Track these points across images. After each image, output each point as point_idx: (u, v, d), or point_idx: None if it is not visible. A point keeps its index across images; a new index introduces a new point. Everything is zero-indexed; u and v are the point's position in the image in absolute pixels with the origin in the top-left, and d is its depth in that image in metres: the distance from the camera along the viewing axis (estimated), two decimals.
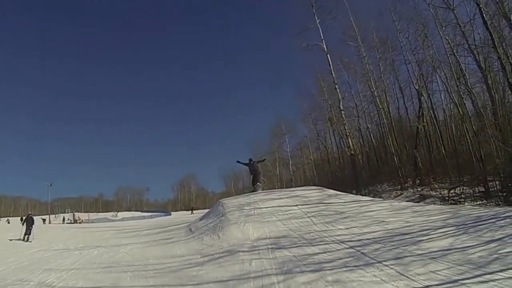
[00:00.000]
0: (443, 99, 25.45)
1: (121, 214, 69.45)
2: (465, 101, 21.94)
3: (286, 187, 34.39)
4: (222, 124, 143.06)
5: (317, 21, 28.40)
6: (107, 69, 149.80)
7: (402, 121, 28.23)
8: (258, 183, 16.63)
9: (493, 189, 17.58)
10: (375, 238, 8.17)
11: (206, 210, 25.48)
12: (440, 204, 17.52)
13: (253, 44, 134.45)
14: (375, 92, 29.00)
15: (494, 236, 7.29)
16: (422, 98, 25.27)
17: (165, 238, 14.09)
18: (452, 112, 23.71)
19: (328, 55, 28.62)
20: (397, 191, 22.40)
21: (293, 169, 45.58)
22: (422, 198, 20.38)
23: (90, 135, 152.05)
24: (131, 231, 20.26)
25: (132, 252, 11.59)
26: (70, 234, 21.87)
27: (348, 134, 28.69)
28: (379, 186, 24.60)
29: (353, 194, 23.02)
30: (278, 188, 33.64)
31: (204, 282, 6.48)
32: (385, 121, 28.43)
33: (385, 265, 6.07)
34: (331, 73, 28.67)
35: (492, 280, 5.02)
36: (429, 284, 5.21)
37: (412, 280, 5.41)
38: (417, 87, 25.48)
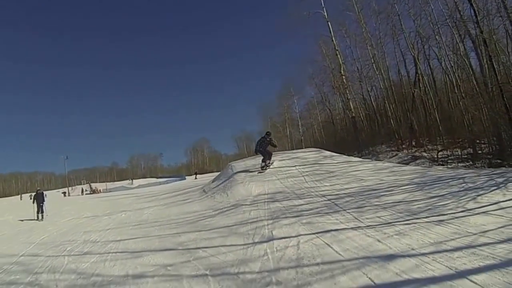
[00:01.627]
0: (439, 65, 25.96)
1: (136, 182, 70.18)
2: (458, 68, 23.12)
3: (296, 148, 36.16)
4: (232, 90, 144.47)
5: None
6: (115, 38, 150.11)
7: (401, 86, 28.83)
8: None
9: (480, 152, 18.58)
10: (350, 192, 9.74)
11: (209, 174, 27.18)
12: (429, 165, 18.92)
13: (258, 10, 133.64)
14: (373, 59, 29.88)
15: (439, 193, 8.69)
16: (418, 64, 26.15)
17: (182, 200, 16.09)
18: (447, 78, 24.42)
19: (329, 23, 29.71)
20: (393, 152, 23.65)
21: (303, 129, 46.28)
22: (413, 159, 21.48)
23: (100, 106, 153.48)
24: (150, 196, 22.09)
25: (155, 213, 13.43)
26: (94, 204, 23.68)
27: (349, 97, 30.01)
28: (378, 147, 25.80)
29: (356, 154, 24.71)
30: (288, 149, 35.16)
31: (215, 228, 8.22)
32: (382, 87, 29.55)
33: (347, 212, 7.60)
34: (332, 40, 29.79)
35: (414, 223, 6.40)
36: (370, 224, 6.63)
37: (361, 222, 6.86)
38: (413, 54, 26.31)
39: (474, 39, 20.69)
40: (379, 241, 5.52)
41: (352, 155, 22.64)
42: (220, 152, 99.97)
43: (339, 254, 5.02)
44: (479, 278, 3.87)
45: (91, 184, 74.33)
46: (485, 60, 19.53)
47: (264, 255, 5.60)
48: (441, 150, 20.71)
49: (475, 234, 5.39)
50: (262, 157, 14.91)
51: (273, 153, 15.45)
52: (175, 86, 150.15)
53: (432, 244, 5.09)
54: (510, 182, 8.83)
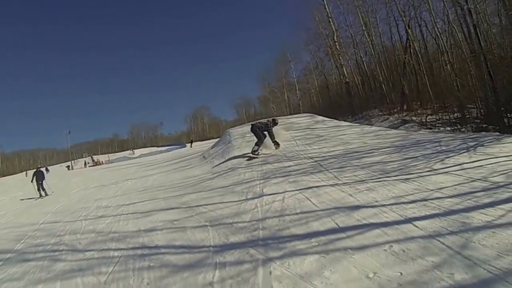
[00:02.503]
0: (429, 32, 26.52)
1: (138, 151, 70.96)
2: (448, 35, 23.77)
3: (294, 112, 37.23)
4: (230, 58, 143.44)
5: None
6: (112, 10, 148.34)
7: (394, 52, 29.54)
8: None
9: (468, 116, 19.07)
10: (335, 155, 10.59)
11: (209, 141, 28.10)
12: (418, 129, 19.63)
13: None
14: (364, 26, 30.44)
15: (414, 155, 9.25)
16: (409, 31, 26.63)
17: (183, 166, 17.36)
18: (437, 44, 25.07)
19: None
20: (385, 116, 24.48)
21: (300, 94, 47.05)
22: (403, 123, 22.17)
23: (99, 79, 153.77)
24: (153, 165, 23.45)
25: (159, 179, 14.59)
26: (99, 174, 24.98)
27: (342, 63, 30.91)
28: (371, 111, 26.58)
29: (350, 118, 25.56)
30: (286, 114, 35.86)
31: (213, 189, 9.27)
32: (373, 53, 30.24)
33: (329, 172, 8.44)
34: (325, 7, 30.74)
35: (384, 181, 7.14)
36: (346, 181, 7.33)
37: (339, 180, 7.57)
38: (405, 21, 26.81)
39: (462, 6, 21.04)
40: (350, 195, 6.37)
41: (346, 119, 23.94)
42: (220, 118, 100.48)
43: (316, 205, 5.96)
44: (420, 223, 4.68)
45: (93, 156, 74.77)
46: (471, 29, 20.04)
47: (255, 208, 6.58)
48: (430, 115, 21.40)
49: (432, 190, 6.11)
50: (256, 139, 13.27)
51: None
52: (175, 57, 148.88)
53: (393, 198, 5.91)
54: (480, 146, 9.40)
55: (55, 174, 36.65)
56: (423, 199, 5.75)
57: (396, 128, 19.78)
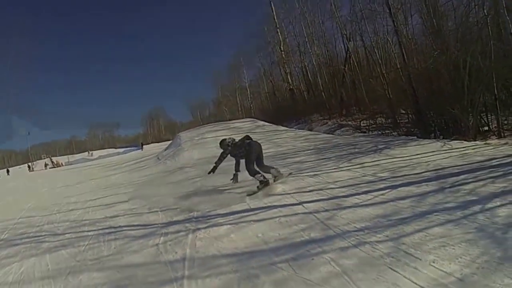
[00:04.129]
0: (369, 44, 28.13)
1: (96, 153, 70.91)
2: (382, 48, 26.14)
3: (246, 115, 39.30)
4: (185, 61, 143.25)
5: None
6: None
7: (337, 61, 31.29)
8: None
9: (399, 121, 20.32)
10: (266, 156, 12.07)
11: (164, 142, 29.45)
12: (352, 133, 21.21)
13: None
14: (307, 37, 32.61)
15: (329, 156, 11.05)
16: (350, 43, 28.88)
17: (140, 166, 19.03)
18: (374, 56, 26.68)
19: (271, 2, 32.94)
20: (325, 121, 25.99)
21: (251, 98, 49.21)
22: (339, 127, 23.52)
23: (56, 79, 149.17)
24: (112, 166, 24.64)
25: (120, 178, 16.00)
26: (63, 175, 25.12)
27: (287, 71, 32.98)
28: (313, 116, 28.20)
29: (294, 122, 27.47)
30: (238, 117, 38.23)
31: (165, 183, 11.12)
32: (315, 63, 32.48)
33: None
34: (274, 19, 32.83)
35: (296, 176, 8.65)
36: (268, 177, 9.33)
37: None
38: (346, 34, 29.11)
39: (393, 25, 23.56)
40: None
41: (290, 123, 25.75)
42: (176, 121, 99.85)
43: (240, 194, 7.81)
44: (308, 205, 6.28)
45: (52, 157, 74.00)
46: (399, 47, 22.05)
47: (191, 198, 8.42)
48: (363, 119, 22.98)
49: (329, 182, 7.66)
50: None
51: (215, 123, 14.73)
52: (131, 58, 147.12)
53: (297, 188, 7.55)
54: (387, 148, 11.24)
55: (18, 175, 36.83)
56: (319, 189, 7.30)
57: (333, 131, 21.66)
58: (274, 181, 7.93)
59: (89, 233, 7.34)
